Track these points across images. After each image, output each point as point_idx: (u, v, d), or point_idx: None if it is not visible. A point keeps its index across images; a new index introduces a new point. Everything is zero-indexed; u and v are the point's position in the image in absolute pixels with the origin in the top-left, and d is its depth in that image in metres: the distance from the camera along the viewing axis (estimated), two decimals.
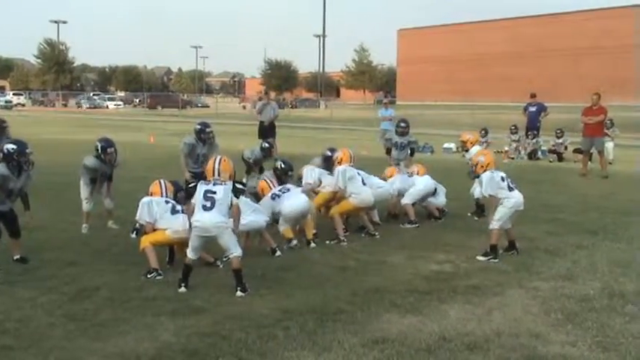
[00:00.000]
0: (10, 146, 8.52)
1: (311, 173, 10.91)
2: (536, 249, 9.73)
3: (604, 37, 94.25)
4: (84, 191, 10.73)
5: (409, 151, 14.08)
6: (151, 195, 8.81)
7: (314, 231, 10.04)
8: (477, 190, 11.49)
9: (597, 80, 75.74)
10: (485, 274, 8.33)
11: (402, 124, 14.24)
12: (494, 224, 9.16)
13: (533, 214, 12.57)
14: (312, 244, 9.82)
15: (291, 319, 6.48)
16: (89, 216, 10.74)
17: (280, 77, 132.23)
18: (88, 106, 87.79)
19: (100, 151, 10.54)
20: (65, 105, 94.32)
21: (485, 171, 9.42)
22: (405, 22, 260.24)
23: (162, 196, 8.82)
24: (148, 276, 7.98)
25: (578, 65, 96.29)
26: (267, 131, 21.96)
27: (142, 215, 8.56)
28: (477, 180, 10.13)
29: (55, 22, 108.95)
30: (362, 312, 6.76)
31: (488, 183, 9.26)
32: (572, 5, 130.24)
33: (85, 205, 10.72)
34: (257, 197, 10.25)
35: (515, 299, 7.31)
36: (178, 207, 8.66)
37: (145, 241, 8.35)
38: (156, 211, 8.50)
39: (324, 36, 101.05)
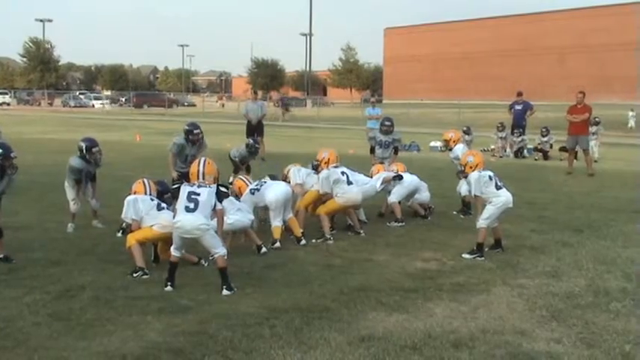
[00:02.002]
0: None
1: (298, 173, 10.94)
2: (521, 247, 9.78)
3: (590, 35, 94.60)
4: (70, 192, 10.64)
5: (393, 150, 14.08)
6: (135, 194, 8.79)
7: (301, 230, 10.06)
8: (463, 188, 11.53)
9: (583, 79, 76.17)
10: (471, 272, 8.36)
11: (387, 123, 14.23)
12: (482, 223, 9.19)
13: (518, 212, 12.62)
14: (303, 241, 9.84)
15: (277, 318, 6.48)
16: (75, 216, 10.70)
17: (267, 76, 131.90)
18: (73, 105, 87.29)
19: (84, 151, 10.50)
20: (51, 104, 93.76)
21: (473, 171, 9.44)
22: (392, 21, 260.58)
23: (145, 194, 8.81)
24: (134, 275, 7.96)
25: (564, 64, 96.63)
26: (254, 130, 22.01)
27: (127, 213, 8.54)
28: (464, 178, 10.17)
29: (41, 20, 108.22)
30: (348, 310, 6.77)
31: (476, 183, 9.27)
32: (559, 4, 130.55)
33: (73, 207, 10.64)
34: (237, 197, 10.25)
35: (501, 297, 7.34)
36: (163, 205, 8.66)
37: (132, 239, 8.32)
38: (141, 208, 8.48)
39: (310, 35, 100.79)
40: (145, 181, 9.08)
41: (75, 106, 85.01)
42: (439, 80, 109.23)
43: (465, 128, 26.70)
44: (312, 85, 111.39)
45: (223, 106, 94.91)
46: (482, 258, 8.99)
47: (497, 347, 5.81)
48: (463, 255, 9.11)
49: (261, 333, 6.09)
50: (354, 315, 6.63)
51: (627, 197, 14.69)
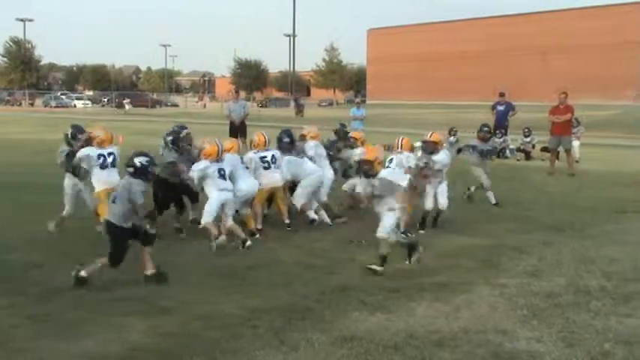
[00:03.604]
0: None
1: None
2: (503, 246, 9.83)
3: (573, 36, 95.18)
4: (69, 191, 10.31)
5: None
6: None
7: (259, 226, 10.31)
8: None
9: (565, 79, 76.56)
10: (453, 272, 8.39)
11: (485, 129, 14.27)
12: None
13: (500, 212, 12.75)
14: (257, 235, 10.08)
15: (259, 318, 6.48)
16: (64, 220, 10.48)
17: (250, 76, 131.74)
18: (55, 105, 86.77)
19: (72, 137, 10.38)
20: (32, 104, 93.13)
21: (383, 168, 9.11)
22: (375, 21, 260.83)
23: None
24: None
25: (548, 64, 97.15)
26: (237, 130, 22.00)
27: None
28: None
29: (22, 20, 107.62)
30: (330, 310, 6.78)
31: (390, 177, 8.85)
32: (541, 5, 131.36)
33: (68, 209, 10.35)
34: None
35: (482, 296, 7.37)
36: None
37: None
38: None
39: (294, 35, 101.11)
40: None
41: (56, 107, 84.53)
42: (423, 81, 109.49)
43: (450, 129, 26.83)
44: (295, 85, 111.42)
45: (205, 106, 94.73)
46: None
47: (478, 346, 5.84)
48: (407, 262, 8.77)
49: (243, 334, 6.09)
50: (337, 315, 6.64)
51: (607, 197, 14.79)
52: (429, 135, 11.71)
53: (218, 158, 9.84)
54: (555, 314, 6.72)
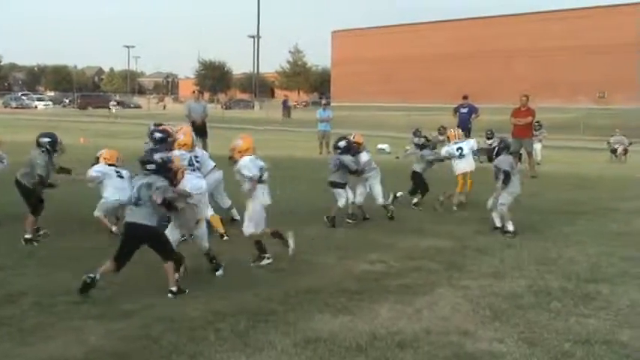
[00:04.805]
0: None
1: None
2: (466, 248, 9.94)
3: (538, 39, 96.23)
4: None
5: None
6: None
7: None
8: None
9: (529, 82, 77.46)
10: (417, 274, 8.45)
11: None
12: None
13: (463, 214, 12.87)
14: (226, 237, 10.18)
15: (222, 321, 6.48)
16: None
17: (214, 78, 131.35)
18: (15, 105, 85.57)
19: (50, 146, 10.25)
20: None
21: (243, 156, 9.17)
22: (340, 24, 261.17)
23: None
24: None
25: (512, 67, 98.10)
26: (199, 131, 21.92)
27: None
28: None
29: None
30: (294, 312, 6.79)
31: (246, 169, 9.01)
32: (510, 8, 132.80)
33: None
34: None
35: (445, 298, 7.44)
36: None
37: None
38: None
39: (258, 37, 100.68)
40: None
41: (17, 107, 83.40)
42: (388, 83, 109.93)
43: (414, 130, 26.99)
44: (259, 87, 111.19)
45: (164, 107, 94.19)
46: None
47: (441, 348, 5.90)
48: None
49: (207, 336, 6.07)
50: (300, 317, 6.66)
51: (568, 199, 15.03)
52: (352, 136, 12.46)
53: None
54: (517, 315, 6.80)
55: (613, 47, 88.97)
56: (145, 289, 7.57)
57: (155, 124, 11.44)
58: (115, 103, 78.98)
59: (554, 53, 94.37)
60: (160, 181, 7.41)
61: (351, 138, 12.23)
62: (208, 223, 9.68)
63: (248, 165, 9.02)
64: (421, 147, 14.37)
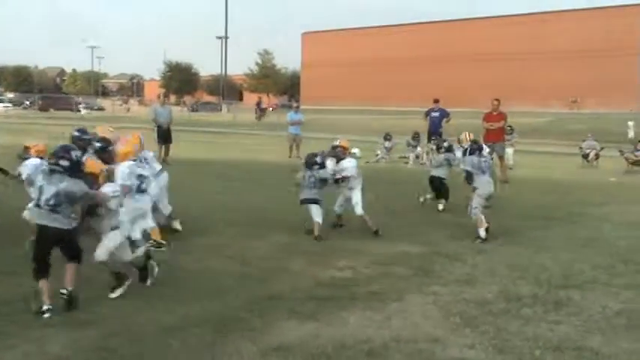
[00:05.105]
0: None
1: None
2: (437, 253, 9.97)
3: (509, 42, 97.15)
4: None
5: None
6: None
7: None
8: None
9: (500, 86, 78.08)
10: (386, 280, 8.47)
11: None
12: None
13: (434, 219, 12.95)
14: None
15: (187, 329, 6.44)
16: None
17: (181, 80, 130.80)
18: None
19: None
20: None
21: (122, 161, 8.92)
22: (311, 25, 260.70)
23: None
24: None
25: (483, 70, 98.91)
26: (165, 135, 21.98)
27: None
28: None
29: None
30: (261, 320, 6.78)
31: (122, 175, 8.61)
32: (482, 11, 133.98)
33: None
34: None
35: (415, 304, 7.47)
36: None
37: None
38: None
39: (226, 38, 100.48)
40: None
41: None
42: (358, 86, 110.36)
43: (385, 134, 27.20)
44: (227, 89, 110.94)
45: (129, 110, 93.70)
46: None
47: (410, 355, 5.92)
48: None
49: (171, 345, 6.04)
50: (267, 325, 6.64)
51: (539, 204, 15.19)
52: (338, 141, 12.26)
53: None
54: (487, 322, 6.85)
55: (584, 52, 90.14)
56: (104, 296, 7.49)
57: (78, 130, 10.74)
58: (84, 105, 78.45)
59: (526, 57, 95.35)
60: (78, 186, 7.05)
61: (337, 143, 12.13)
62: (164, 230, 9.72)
63: (123, 172, 8.67)
64: (447, 150, 14.39)
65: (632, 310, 7.37)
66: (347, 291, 7.93)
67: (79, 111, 70.54)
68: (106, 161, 8.73)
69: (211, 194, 15.57)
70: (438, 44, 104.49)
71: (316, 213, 11.06)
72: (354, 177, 11.56)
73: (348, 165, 11.56)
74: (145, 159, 10.17)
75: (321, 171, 11.34)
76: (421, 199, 14.15)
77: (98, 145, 9.17)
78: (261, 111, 62.96)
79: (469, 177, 11.60)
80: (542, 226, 12.44)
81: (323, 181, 11.35)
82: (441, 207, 13.94)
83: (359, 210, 11.42)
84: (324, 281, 8.38)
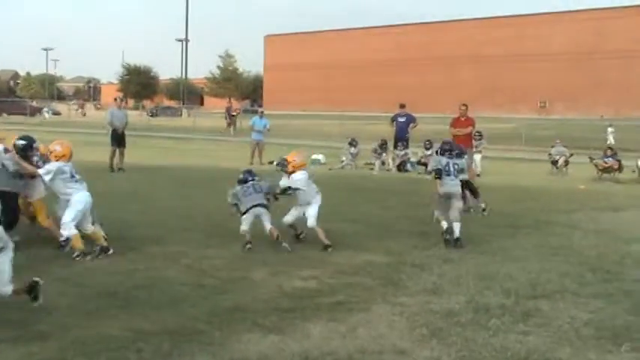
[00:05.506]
0: None
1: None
2: (403, 263, 9.96)
3: (480, 46, 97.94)
4: None
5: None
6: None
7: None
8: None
9: (471, 91, 78.77)
10: (351, 290, 8.45)
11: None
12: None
13: (399, 228, 12.96)
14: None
15: (144, 341, 6.36)
16: None
17: (139, 83, 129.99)
18: None
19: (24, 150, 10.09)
20: None
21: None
22: (274, 27, 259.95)
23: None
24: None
25: (454, 75, 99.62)
26: (120, 139, 22.15)
27: None
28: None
29: None
30: (221, 332, 6.72)
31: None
32: (453, 14, 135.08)
33: None
34: None
35: (381, 315, 7.46)
36: None
37: None
38: None
39: (186, 40, 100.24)
40: None
41: None
42: (322, 90, 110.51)
43: (350, 140, 27.26)
44: (188, 93, 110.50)
45: (85, 114, 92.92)
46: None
47: None
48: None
49: (127, 358, 5.96)
50: (227, 337, 6.58)
51: (507, 212, 15.28)
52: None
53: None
54: (454, 333, 6.85)
55: (553, 55, 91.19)
56: (61, 308, 7.40)
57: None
58: (47, 109, 77.79)
59: (495, 60, 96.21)
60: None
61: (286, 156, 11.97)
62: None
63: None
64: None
65: (600, 320, 7.42)
66: (311, 302, 7.89)
67: (43, 115, 70.10)
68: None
69: (168, 201, 15.50)
70: (405, 47, 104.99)
71: (267, 219, 11.06)
72: (303, 191, 11.34)
73: (299, 177, 11.43)
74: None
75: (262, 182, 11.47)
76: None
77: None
78: (230, 117, 60.04)
79: (439, 175, 12.00)
80: (509, 235, 12.52)
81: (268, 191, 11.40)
82: (483, 205, 14.98)
83: (311, 222, 11.18)
84: (287, 292, 8.34)
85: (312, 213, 11.20)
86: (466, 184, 14.39)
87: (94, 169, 20.85)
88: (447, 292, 8.46)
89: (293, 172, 11.42)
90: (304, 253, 10.51)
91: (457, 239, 11.30)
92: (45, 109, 76.97)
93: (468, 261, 10.18)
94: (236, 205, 11.17)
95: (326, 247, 10.87)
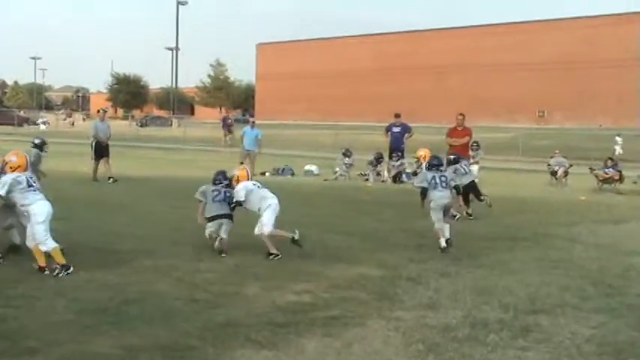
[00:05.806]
0: None
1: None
2: (399, 277, 9.93)
3: (472, 55, 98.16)
4: None
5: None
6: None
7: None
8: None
9: (464, 100, 78.92)
10: (346, 305, 8.43)
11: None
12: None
13: (395, 240, 12.94)
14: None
15: (135, 357, 6.35)
16: None
17: (129, 92, 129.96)
18: None
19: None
20: None
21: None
22: (266, 36, 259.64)
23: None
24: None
25: (446, 84, 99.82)
26: (103, 150, 22.41)
27: None
28: None
29: None
30: (214, 347, 6.70)
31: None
32: (444, 22, 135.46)
33: None
34: None
35: (376, 330, 7.45)
36: None
37: None
38: None
39: (177, 49, 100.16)
40: None
41: None
42: (315, 99, 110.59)
43: (344, 150, 27.29)
44: (178, 103, 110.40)
45: (73, 124, 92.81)
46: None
47: None
48: None
49: None
50: (221, 353, 6.57)
51: (506, 224, 15.28)
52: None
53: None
54: (451, 349, 6.84)
55: (550, 64, 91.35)
56: (49, 322, 7.37)
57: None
58: (43, 120, 78.00)
59: (489, 69, 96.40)
60: None
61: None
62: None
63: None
64: (453, 162, 16.20)
65: (603, 335, 7.40)
66: (305, 316, 7.88)
67: (38, 125, 70.53)
68: None
69: (157, 213, 15.47)
70: (399, 56, 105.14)
71: (225, 229, 11.25)
72: (245, 201, 11.47)
73: (237, 189, 11.56)
74: (31, 177, 10.19)
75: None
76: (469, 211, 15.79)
77: None
78: (227, 127, 58.16)
79: (423, 192, 12.55)
80: (508, 247, 12.49)
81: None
82: (488, 201, 15.75)
83: (257, 229, 11.25)
84: (280, 306, 8.32)
85: (263, 220, 11.24)
86: (471, 188, 14.82)
87: (84, 180, 20.83)
88: (443, 306, 8.45)
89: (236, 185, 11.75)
90: (298, 267, 10.48)
91: (447, 239, 11.89)
92: (40, 120, 77.27)
93: (465, 274, 10.17)
94: (201, 201, 11.60)
95: (269, 254, 10.99)
